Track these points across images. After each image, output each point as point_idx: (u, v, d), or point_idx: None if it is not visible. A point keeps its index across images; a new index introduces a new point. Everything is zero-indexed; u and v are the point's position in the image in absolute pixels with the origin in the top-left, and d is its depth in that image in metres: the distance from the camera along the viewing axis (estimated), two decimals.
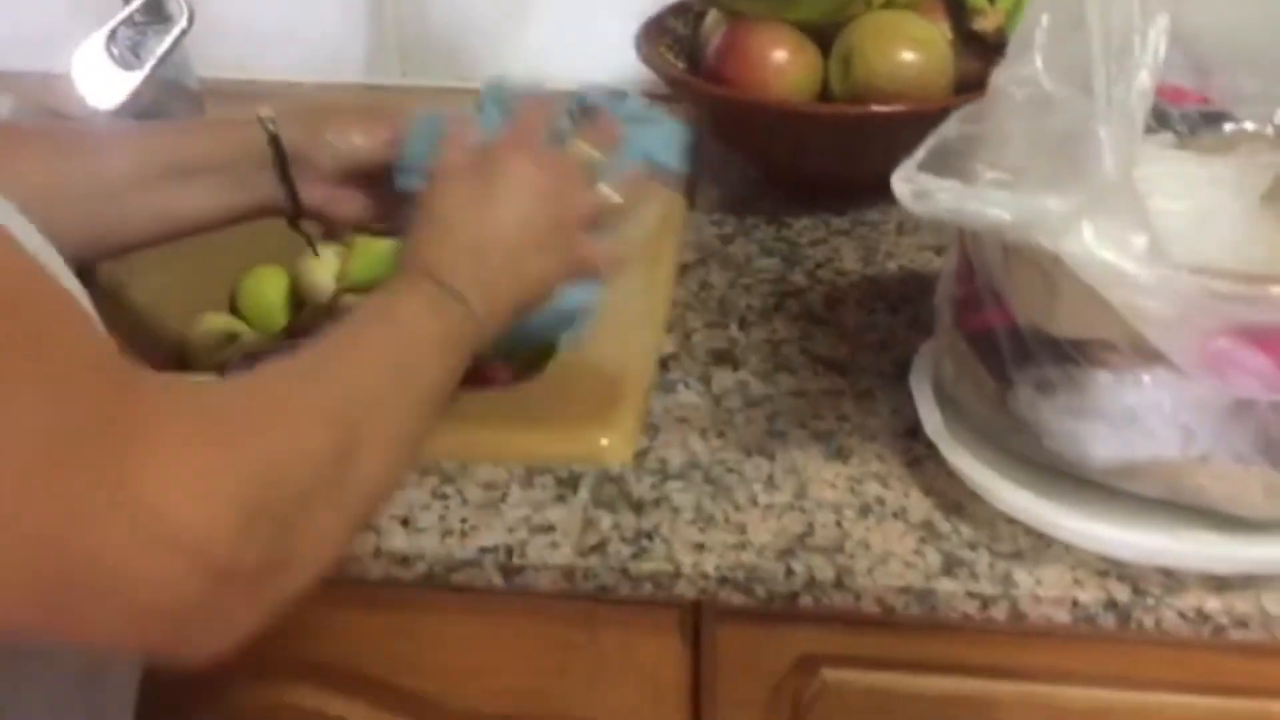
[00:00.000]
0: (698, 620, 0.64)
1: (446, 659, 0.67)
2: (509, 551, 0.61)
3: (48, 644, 0.49)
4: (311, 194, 0.69)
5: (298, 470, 0.46)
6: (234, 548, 0.43)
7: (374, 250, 0.92)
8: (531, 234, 0.61)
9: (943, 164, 0.53)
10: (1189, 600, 0.57)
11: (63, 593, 0.41)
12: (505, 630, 0.66)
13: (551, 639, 0.66)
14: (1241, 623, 0.57)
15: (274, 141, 0.67)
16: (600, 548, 0.61)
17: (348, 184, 0.69)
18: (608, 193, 0.64)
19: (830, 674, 0.64)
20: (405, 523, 0.63)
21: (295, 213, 0.70)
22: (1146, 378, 0.57)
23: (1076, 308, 0.58)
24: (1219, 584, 0.58)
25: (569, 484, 0.65)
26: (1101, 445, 0.60)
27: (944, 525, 0.62)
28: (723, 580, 0.60)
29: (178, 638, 0.44)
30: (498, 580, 0.61)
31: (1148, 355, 0.57)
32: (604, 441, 0.67)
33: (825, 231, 0.91)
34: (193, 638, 0.44)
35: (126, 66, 0.90)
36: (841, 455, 0.67)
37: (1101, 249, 0.51)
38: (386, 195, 0.68)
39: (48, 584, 0.40)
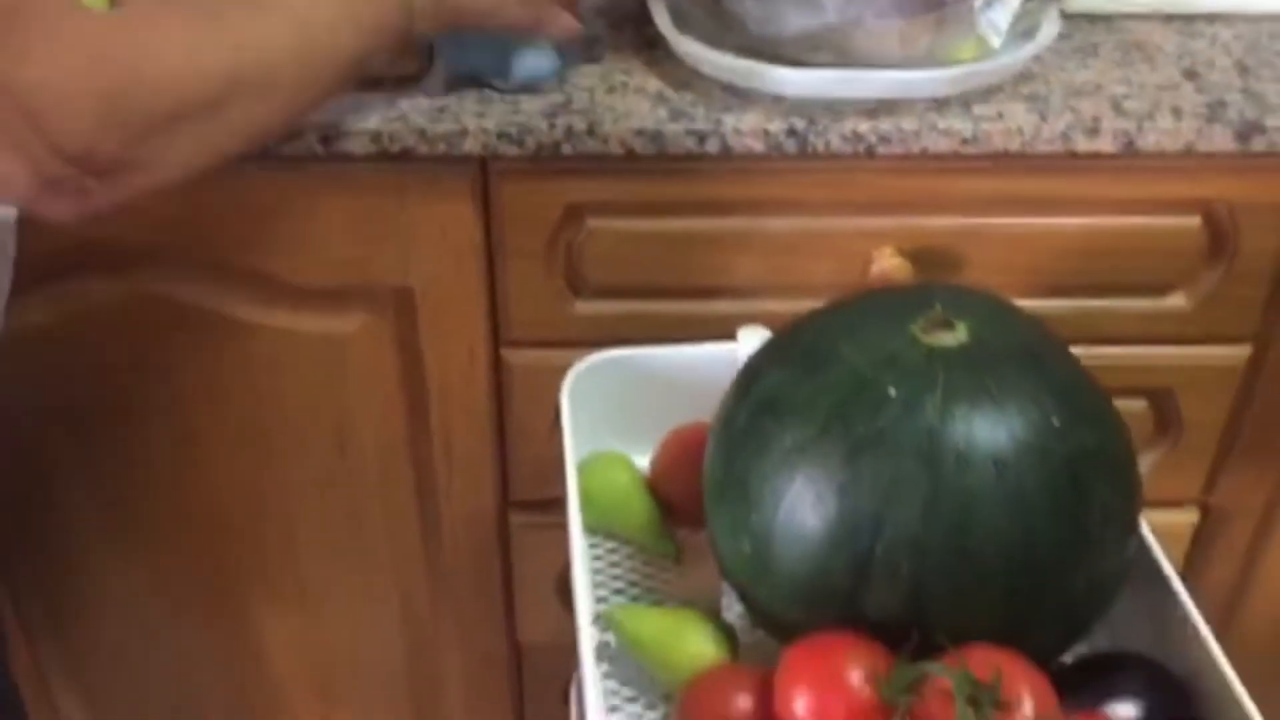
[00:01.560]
0: (485, 182, 0.80)
1: (279, 234, 0.82)
2: (327, 124, 0.76)
3: None
4: None
5: (161, 93, 0.55)
6: (88, 139, 0.53)
7: None
8: None
9: None
10: (847, 125, 0.76)
11: None
12: (327, 203, 0.81)
13: (367, 209, 0.81)
14: (885, 139, 0.76)
15: None
16: (402, 118, 0.76)
17: None
18: None
19: (593, 222, 0.82)
20: None
21: None
22: None
23: None
24: (869, 112, 0.77)
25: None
26: (790, 21, 0.78)
27: (672, 94, 0.79)
28: (500, 135, 0.76)
29: (41, 199, 0.56)
30: (319, 149, 0.76)
31: None
32: None
33: None
34: (53, 203, 0.56)
35: None
36: (595, 60, 0.83)
37: None
38: None
39: None
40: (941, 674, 0.55)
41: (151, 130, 0.56)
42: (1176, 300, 0.85)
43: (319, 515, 0.95)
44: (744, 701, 0.64)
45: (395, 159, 0.77)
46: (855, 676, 0.59)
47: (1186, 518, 0.95)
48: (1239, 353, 0.87)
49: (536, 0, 0.73)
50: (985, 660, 0.56)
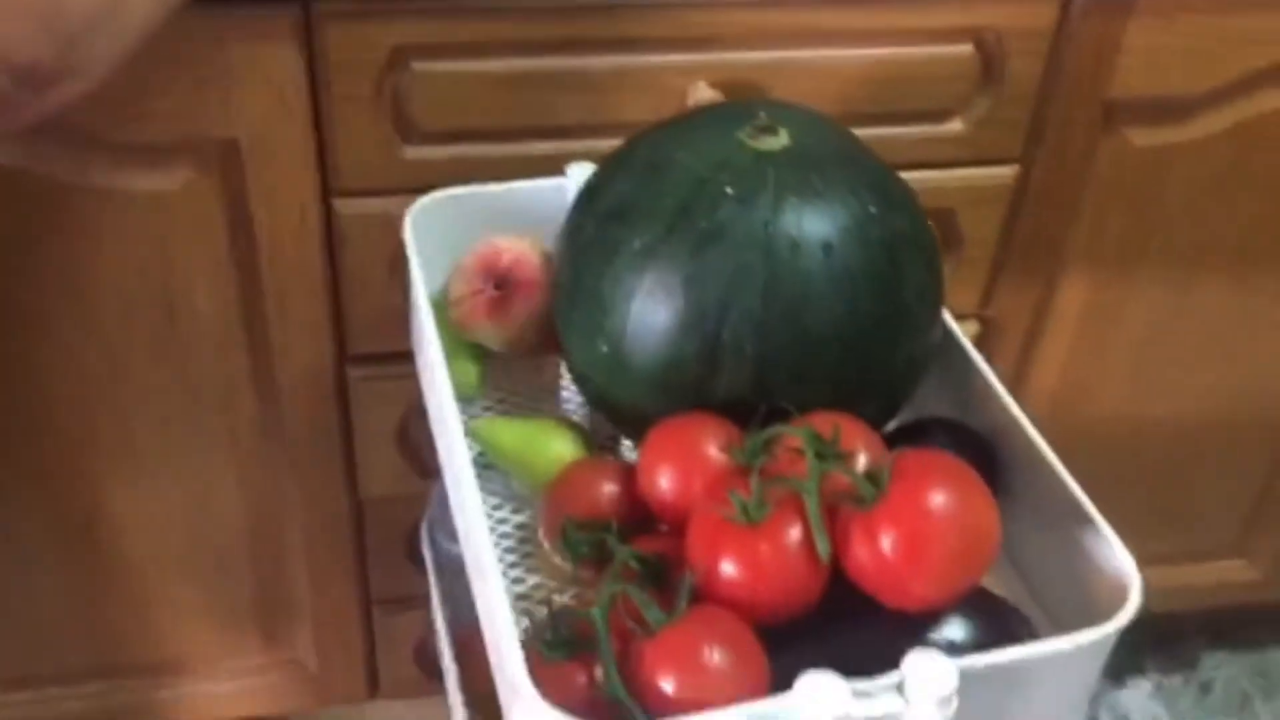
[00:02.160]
0: (309, 25, 0.80)
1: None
2: None
3: None
4: None
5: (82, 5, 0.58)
6: (31, 53, 0.56)
7: None
8: None
9: None
10: None
11: None
12: (144, 51, 0.79)
13: (185, 57, 0.80)
14: None
15: None
16: None
17: None
18: None
19: (419, 65, 0.84)
20: None
21: None
22: None
23: None
24: None
25: None
26: None
27: None
28: None
29: None
30: None
31: None
32: None
33: None
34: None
35: None
36: None
37: None
38: None
39: None
40: (789, 434, 0.62)
41: (80, 36, 0.59)
42: (954, 125, 0.94)
43: (151, 386, 0.94)
44: (609, 488, 0.69)
45: (213, 1, 0.76)
46: (712, 448, 0.65)
47: (968, 330, 1.06)
48: (1008, 172, 0.97)
49: None
50: (825, 421, 0.63)
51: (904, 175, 0.94)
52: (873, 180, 0.69)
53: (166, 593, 1.09)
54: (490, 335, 0.77)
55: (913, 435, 0.73)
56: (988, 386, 0.73)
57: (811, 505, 0.59)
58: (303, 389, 0.97)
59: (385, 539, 1.10)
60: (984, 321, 1.06)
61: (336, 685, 1.21)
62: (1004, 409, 0.71)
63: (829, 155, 0.69)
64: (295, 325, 0.93)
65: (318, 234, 0.89)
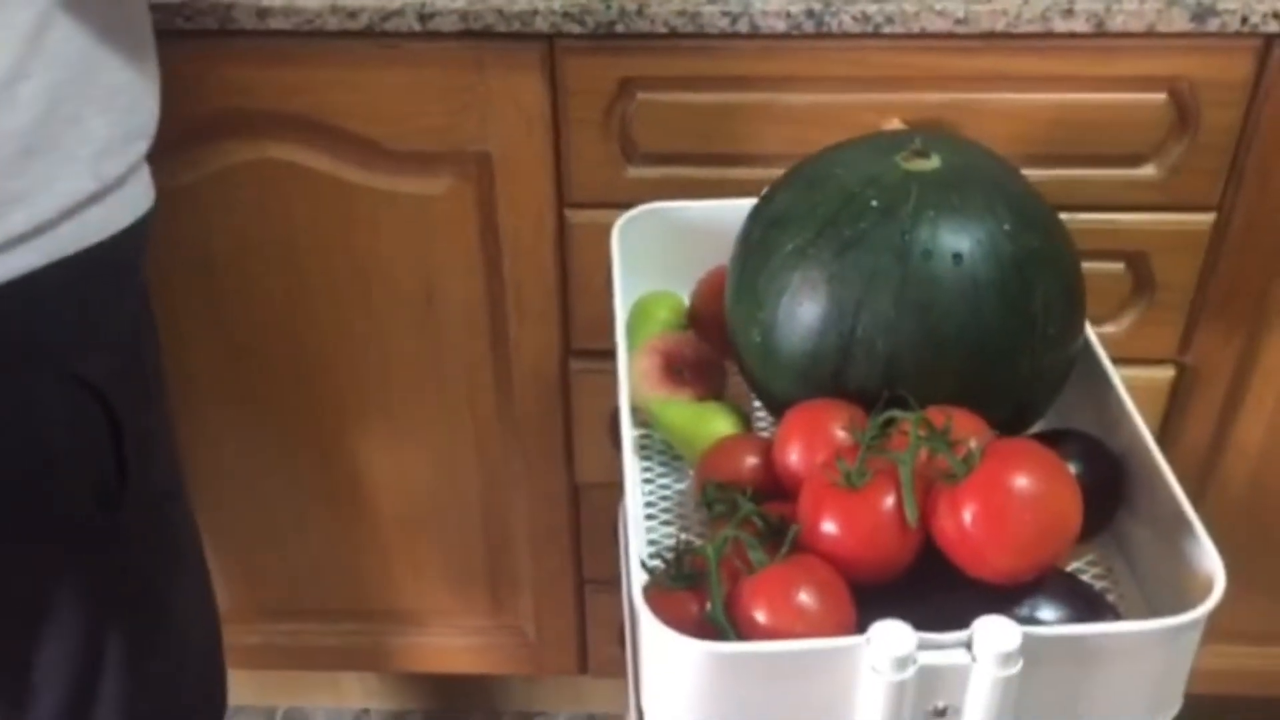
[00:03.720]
0: (553, 58, 0.95)
1: (382, 104, 0.98)
2: (423, 4, 0.92)
3: None
4: None
5: None
6: None
7: None
8: None
9: None
10: (857, 6, 0.90)
11: None
12: (422, 77, 0.96)
13: (453, 83, 0.97)
14: (890, 19, 0.90)
15: None
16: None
17: None
18: None
19: (643, 95, 0.97)
20: None
21: None
22: None
23: None
24: None
25: None
26: None
27: None
28: (565, 14, 0.91)
29: None
30: (416, 26, 0.92)
31: None
32: None
33: None
34: None
35: None
36: None
37: None
38: None
39: None
40: (903, 418, 0.70)
41: None
42: (1148, 170, 0.97)
43: (409, 360, 1.12)
44: (750, 460, 0.78)
45: (478, 36, 0.92)
46: (837, 428, 0.73)
47: (1164, 374, 1.07)
48: (1205, 219, 0.99)
49: None
50: (941, 413, 0.70)
51: (1095, 217, 0.99)
52: (1013, 201, 0.75)
53: (412, 549, 1.26)
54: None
55: (1046, 443, 0.77)
56: (1122, 406, 0.77)
57: (904, 474, 0.66)
58: (532, 374, 1.12)
59: (597, 522, 1.22)
60: (1181, 368, 1.07)
61: (550, 656, 1.34)
62: (1133, 428, 0.75)
63: (974, 178, 0.76)
64: (529, 317, 1.08)
65: (552, 239, 1.04)
